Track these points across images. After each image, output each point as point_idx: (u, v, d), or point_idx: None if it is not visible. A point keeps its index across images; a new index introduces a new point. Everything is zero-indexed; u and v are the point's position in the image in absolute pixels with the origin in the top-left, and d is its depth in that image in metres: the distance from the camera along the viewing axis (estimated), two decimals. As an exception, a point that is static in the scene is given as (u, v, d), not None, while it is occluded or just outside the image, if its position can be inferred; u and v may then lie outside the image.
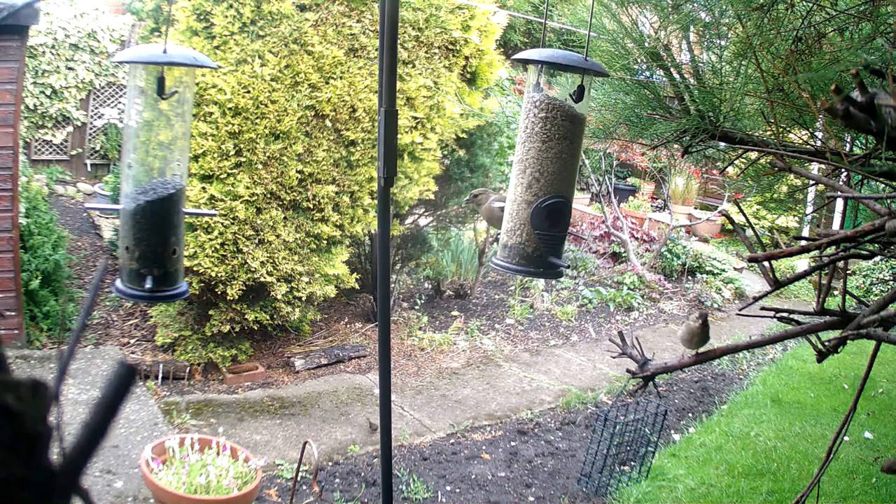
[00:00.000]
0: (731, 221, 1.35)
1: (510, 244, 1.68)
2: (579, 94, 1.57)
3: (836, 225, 9.07)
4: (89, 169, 9.00)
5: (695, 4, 1.66)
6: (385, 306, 1.95)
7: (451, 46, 5.42)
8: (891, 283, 7.95)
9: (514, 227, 1.67)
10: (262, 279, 4.88)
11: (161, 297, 1.59)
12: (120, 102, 8.94)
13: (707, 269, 8.71)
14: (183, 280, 1.63)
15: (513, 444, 4.75)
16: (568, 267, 1.69)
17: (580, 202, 10.78)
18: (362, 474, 4.19)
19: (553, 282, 7.62)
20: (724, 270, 8.68)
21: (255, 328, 5.24)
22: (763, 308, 1.42)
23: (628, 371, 1.66)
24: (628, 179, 11.80)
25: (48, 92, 8.39)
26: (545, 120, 1.62)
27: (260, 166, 4.77)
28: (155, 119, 1.54)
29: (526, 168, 1.65)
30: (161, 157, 1.57)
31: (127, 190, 1.55)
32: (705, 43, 1.75)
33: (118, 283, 1.59)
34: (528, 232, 1.65)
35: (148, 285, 1.52)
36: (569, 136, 1.63)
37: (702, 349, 1.67)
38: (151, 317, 5.53)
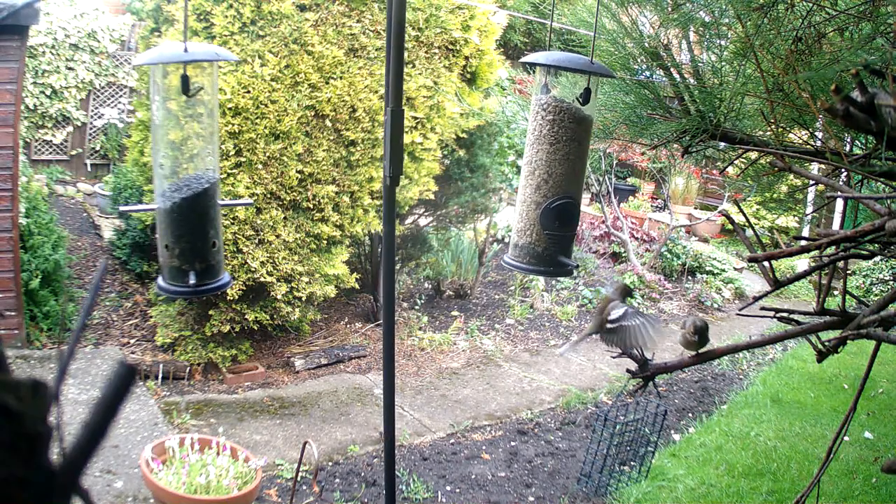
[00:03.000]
0: (731, 221, 1.35)
1: (521, 244, 1.70)
2: (586, 97, 1.58)
3: (836, 225, 9.06)
4: (89, 169, 9.00)
5: (694, 4, 1.66)
6: (390, 308, 1.95)
7: (451, 46, 5.42)
8: (891, 283, 7.95)
9: (524, 227, 1.70)
10: (262, 279, 4.88)
11: (206, 291, 1.59)
12: (120, 102, 8.94)
13: (707, 269, 8.71)
14: (224, 271, 1.62)
15: (513, 444, 4.75)
16: (577, 266, 1.70)
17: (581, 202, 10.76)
18: (362, 474, 4.19)
19: (553, 282, 7.62)
20: (724, 270, 8.68)
21: (255, 328, 5.24)
22: (763, 308, 1.42)
23: (628, 371, 1.66)
24: (628, 179, 11.80)
25: (48, 92, 8.39)
26: (553, 122, 1.64)
27: (260, 166, 4.77)
28: (182, 116, 1.54)
29: (535, 170, 1.67)
30: (192, 153, 1.57)
31: (161, 189, 1.55)
32: (705, 43, 1.75)
33: (160, 281, 1.59)
34: (537, 232, 1.67)
35: (192, 281, 1.52)
36: (576, 138, 1.64)
37: (702, 349, 1.67)
38: (151, 317, 5.53)
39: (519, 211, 1.72)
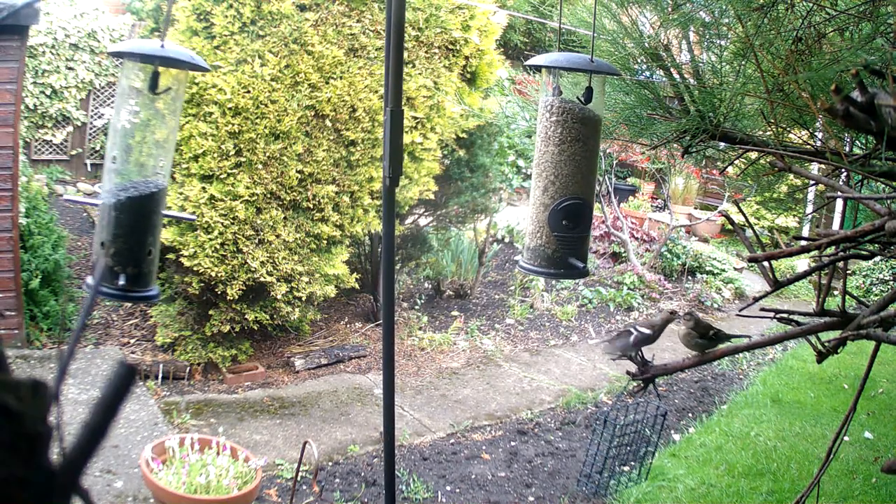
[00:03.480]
0: (731, 222, 1.35)
1: (532, 246, 1.70)
2: (587, 97, 1.58)
3: (836, 225, 9.07)
4: (89, 169, 9.00)
5: (694, 4, 1.66)
6: (390, 308, 1.95)
7: (451, 46, 5.42)
8: (891, 283, 7.95)
9: (534, 229, 1.70)
10: (262, 279, 4.88)
11: (132, 298, 1.57)
12: (120, 102, 8.94)
13: (707, 269, 8.71)
14: (155, 284, 1.60)
15: (513, 444, 4.75)
16: (585, 267, 1.69)
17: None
18: (362, 474, 4.19)
19: (553, 282, 7.62)
20: (724, 270, 8.68)
21: (255, 328, 5.24)
22: (763, 309, 1.42)
23: (628, 373, 1.66)
24: (628, 179, 11.80)
25: (48, 92, 8.39)
26: (557, 123, 1.64)
27: (260, 166, 4.77)
28: (143, 115, 1.54)
29: (543, 171, 1.67)
30: (145, 155, 1.57)
31: (108, 186, 1.54)
32: (705, 43, 1.75)
33: (89, 279, 1.57)
34: (547, 234, 1.67)
35: (121, 282, 1.50)
36: (581, 138, 1.64)
37: (706, 350, 1.67)
38: (151, 317, 5.53)
39: (530, 214, 1.72)
